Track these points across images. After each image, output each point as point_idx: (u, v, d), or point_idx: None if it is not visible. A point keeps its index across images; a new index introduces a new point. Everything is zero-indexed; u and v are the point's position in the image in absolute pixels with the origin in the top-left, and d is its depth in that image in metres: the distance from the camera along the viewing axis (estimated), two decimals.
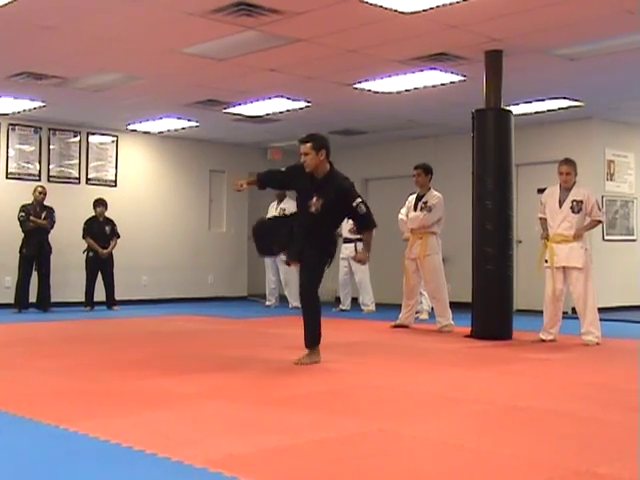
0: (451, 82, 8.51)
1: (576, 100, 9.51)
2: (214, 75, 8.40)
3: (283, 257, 6.01)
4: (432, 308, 8.66)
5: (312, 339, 5.66)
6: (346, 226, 10.89)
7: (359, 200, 5.51)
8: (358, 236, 10.64)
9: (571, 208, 6.96)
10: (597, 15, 6.38)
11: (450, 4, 6.02)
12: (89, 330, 8.29)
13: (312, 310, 5.70)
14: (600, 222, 7.28)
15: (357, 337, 7.62)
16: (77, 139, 11.73)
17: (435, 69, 8.01)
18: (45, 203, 10.45)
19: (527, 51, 7.39)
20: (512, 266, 7.36)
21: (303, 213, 5.54)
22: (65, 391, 4.52)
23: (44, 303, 10.34)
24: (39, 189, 10.45)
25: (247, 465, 2.86)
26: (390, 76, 8.34)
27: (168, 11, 6.29)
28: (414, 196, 8.38)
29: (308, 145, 5.44)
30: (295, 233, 5.60)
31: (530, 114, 10.00)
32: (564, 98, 9.41)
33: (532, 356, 6.17)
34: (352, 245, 10.79)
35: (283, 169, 5.91)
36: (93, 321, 9.27)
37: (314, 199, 5.43)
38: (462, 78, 8.32)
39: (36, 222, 10.25)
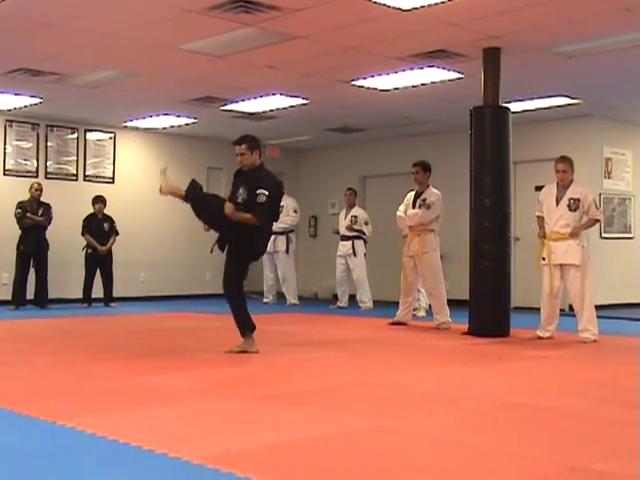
0: (449, 79, 8.51)
1: (574, 98, 9.51)
2: (212, 72, 8.39)
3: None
4: (430, 305, 8.67)
5: (239, 326, 5.86)
6: (343, 223, 10.92)
7: (264, 191, 5.71)
8: (355, 234, 10.77)
9: (568, 206, 6.97)
10: (595, 13, 6.38)
11: (448, 1, 6.02)
12: (86, 327, 8.29)
13: (233, 302, 5.88)
14: (598, 221, 7.28)
15: (354, 334, 7.63)
16: (75, 136, 11.72)
17: (433, 66, 8.00)
18: (42, 200, 10.44)
19: (525, 48, 7.39)
20: (509, 263, 7.37)
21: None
22: (62, 387, 4.52)
23: (41, 300, 10.33)
24: (35, 186, 10.44)
25: (245, 461, 2.86)
26: (388, 73, 8.34)
27: (166, 8, 6.29)
28: (412, 193, 8.39)
29: (243, 146, 5.84)
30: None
31: (528, 111, 10.00)
32: (562, 96, 9.42)
33: (529, 353, 6.18)
34: (349, 243, 10.81)
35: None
36: (90, 318, 9.27)
37: (241, 190, 5.78)
38: (460, 75, 8.32)
39: (33, 219, 10.24)
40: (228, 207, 5.70)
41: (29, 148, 11.27)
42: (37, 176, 11.21)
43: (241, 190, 5.78)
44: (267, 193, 5.71)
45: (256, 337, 5.88)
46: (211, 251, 6.04)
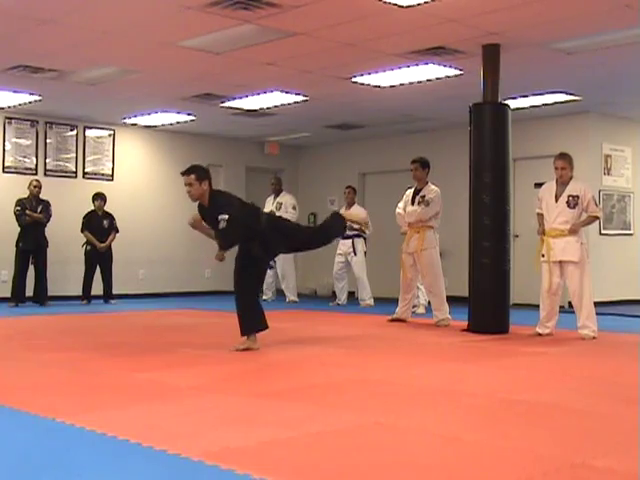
0: (448, 76, 8.50)
1: (573, 94, 9.51)
2: (211, 69, 8.38)
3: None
4: (429, 302, 8.67)
5: (241, 327, 5.89)
6: None
7: (224, 216, 5.63)
8: (355, 232, 10.76)
9: (567, 203, 6.96)
10: (595, 9, 6.37)
11: None
12: (86, 324, 8.28)
13: (239, 303, 5.93)
14: (597, 218, 7.25)
15: (354, 331, 7.63)
16: (74, 133, 11.71)
17: (432, 63, 8.00)
18: (42, 197, 10.44)
19: (524, 45, 7.38)
20: (509, 260, 7.37)
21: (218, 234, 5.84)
22: (61, 384, 4.53)
23: (41, 297, 10.33)
24: (34, 183, 10.44)
25: (244, 458, 2.86)
26: (388, 70, 8.33)
27: (165, 4, 6.28)
28: (412, 190, 8.38)
29: (192, 176, 5.72)
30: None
31: (527, 108, 10.00)
32: (561, 92, 9.41)
33: (529, 350, 6.18)
34: (349, 241, 10.80)
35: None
36: (90, 315, 9.26)
37: (219, 219, 5.67)
38: (459, 72, 8.31)
39: (32, 216, 10.23)
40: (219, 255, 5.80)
41: (28, 145, 11.26)
42: (36, 173, 11.20)
43: (219, 219, 5.72)
44: (226, 217, 5.61)
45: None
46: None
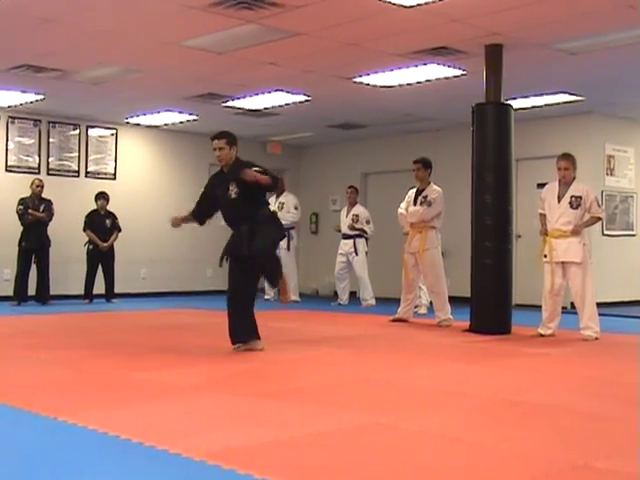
0: (451, 76, 8.49)
1: (576, 94, 9.50)
2: (214, 68, 8.38)
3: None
4: (431, 302, 8.67)
5: (244, 332, 5.79)
6: (345, 221, 10.92)
7: (257, 168, 5.79)
8: (357, 232, 10.77)
9: (570, 204, 6.96)
10: (598, 9, 6.36)
11: None
12: (88, 323, 8.29)
13: (240, 310, 5.78)
14: (600, 219, 7.24)
15: (356, 331, 7.63)
16: (76, 132, 11.72)
17: (435, 63, 7.99)
18: (44, 196, 10.45)
19: (527, 45, 7.37)
20: (511, 261, 7.37)
21: (227, 206, 5.87)
22: (63, 383, 4.53)
23: (43, 296, 10.34)
24: (36, 182, 10.45)
25: (245, 457, 2.86)
26: (390, 70, 8.33)
27: (168, 4, 6.28)
28: (414, 190, 8.38)
29: (223, 141, 5.92)
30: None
31: (530, 108, 9.99)
32: (564, 92, 9.40)
33: (531, 351, 6.18)
34: (351, 241, 10.81)
35: (202, 191, 6.22)
36: (92, 314, 9.27)
37: (230, 187, 5.81)
38: (462, 72, 8.31)
39: (34, 215, 10.25)
40: (246, 173, 5.63)
41: (31, 144, 11.27)
42: (39, 172, 11.21)
43: (231, 187, 5.80)
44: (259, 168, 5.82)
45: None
46: (220, 265, 5.88)
